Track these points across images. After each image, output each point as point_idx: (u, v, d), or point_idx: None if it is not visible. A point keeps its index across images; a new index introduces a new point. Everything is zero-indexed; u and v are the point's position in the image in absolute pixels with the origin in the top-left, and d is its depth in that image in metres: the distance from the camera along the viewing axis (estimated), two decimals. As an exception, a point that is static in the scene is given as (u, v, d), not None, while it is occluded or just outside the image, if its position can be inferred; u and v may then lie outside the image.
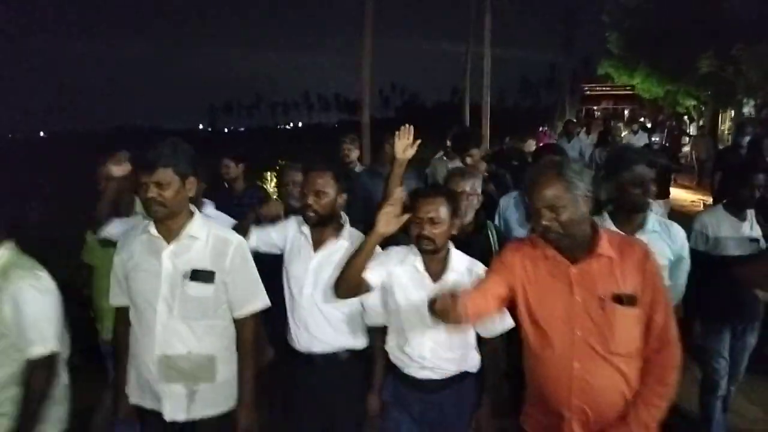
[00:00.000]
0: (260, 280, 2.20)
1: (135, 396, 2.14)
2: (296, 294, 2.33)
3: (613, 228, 2.34)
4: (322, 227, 2.32)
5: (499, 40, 18.87)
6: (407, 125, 2.51)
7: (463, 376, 2.21)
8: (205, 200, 2.99)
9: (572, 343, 1.71)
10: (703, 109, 21.23)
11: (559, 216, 1.67)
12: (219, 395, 2.12)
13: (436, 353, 2.14)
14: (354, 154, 4.54)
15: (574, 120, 5.89)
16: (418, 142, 2.53)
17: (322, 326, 2.30)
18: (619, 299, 1.67)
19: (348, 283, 2.09)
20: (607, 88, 24.75)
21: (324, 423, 2.35)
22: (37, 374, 1.98)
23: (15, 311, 1.94)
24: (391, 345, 2.25)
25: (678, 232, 2.53)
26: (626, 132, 11.54)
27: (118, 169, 2.48)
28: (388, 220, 2.03)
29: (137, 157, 2.18)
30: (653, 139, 11.26)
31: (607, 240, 1.74)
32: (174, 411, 2.06)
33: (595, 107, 23.35)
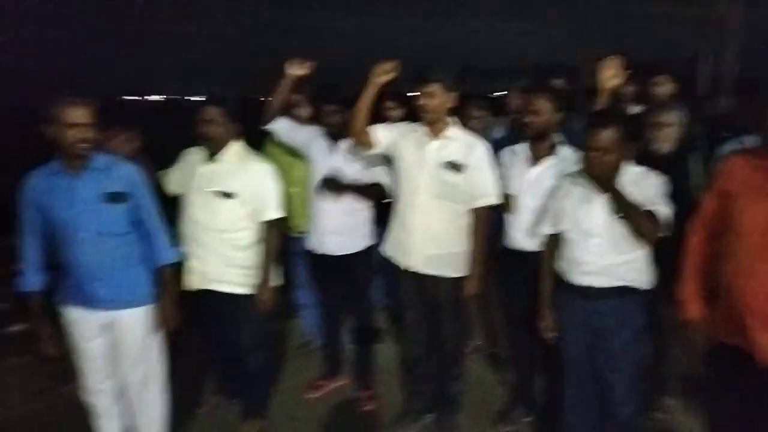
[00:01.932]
0: None
1: None
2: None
3: None
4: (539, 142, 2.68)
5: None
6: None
7: (627, 290, 2.26)
8: None
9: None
10: None
11: None
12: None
13: (599, 257, 2.25)
14: None
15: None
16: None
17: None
18: None
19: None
20: None
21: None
22: (270, 234, 2.65)
23: (254, 187, 2.60)
24: (560, 256, 2.43)
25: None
26: None
27: (299, 68, 2.92)
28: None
29: (413, 72, 2.70)
30: None
31: None
32: None
33: None
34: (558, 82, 3.38)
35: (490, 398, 3.22)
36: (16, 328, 4.03)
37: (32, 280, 2.29)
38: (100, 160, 2.24)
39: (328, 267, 3.13)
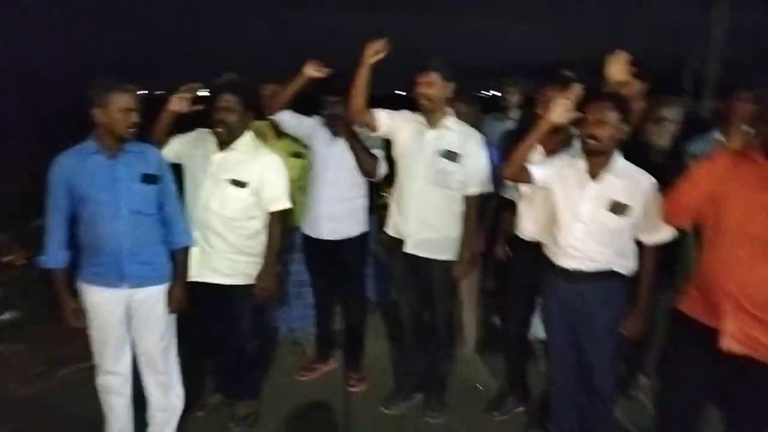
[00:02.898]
0: None
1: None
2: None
3: None
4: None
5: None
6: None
7: (612, 274, 2.34)
8: None
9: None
10: None
11: None
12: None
13: (586, 244, 2.32)
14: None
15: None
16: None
17: None
18: None
19: (514, 164, 2.41)
20: None
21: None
22: (276, 224, 2.71)
23: (265, 177, 2.65)
24: (547, 238, 2.52)
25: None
26: None
27: (315, 71, 2.94)
28: (561, 111, 2.29)
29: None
30: None
31: None
32: None
33: None
34: (570, 75, 3.40)
35: (483, 386, 3.33)
36: (6, 316, 4.05)
37: (58, 256, 2.38)
38: (132, 143, 2.37)
39: (322, 252, 3.20)
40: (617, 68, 2.58)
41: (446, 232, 2.83)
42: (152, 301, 2.46)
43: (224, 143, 2.64)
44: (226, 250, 2.68)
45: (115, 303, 2.41)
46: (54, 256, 2.37)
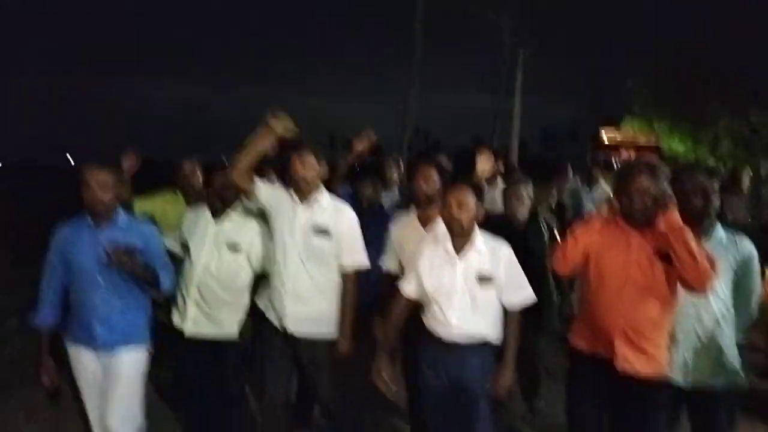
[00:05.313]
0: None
1: None
2: None
3: None
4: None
5: (527, 91, 20.22)
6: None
7: (486, 344, 2.56)
8: None
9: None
10: (722, 167, 22.15)
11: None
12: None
13: (463, 318, 2.52)
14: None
15: (596, 167, 6.07)
16: None
17: None
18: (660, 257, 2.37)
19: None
20: (629, 138, 24.37)
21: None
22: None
23: (256, 241, 2.95)
24: (427, 314, 2.65)
25: (746, 245, 2.54)
26: None
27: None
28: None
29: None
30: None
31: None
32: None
33: (616, 157, 22.80)
34: (443, 159, 3.94)
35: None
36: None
37: (46, 316, 2.58)
38: (123, 218, 2.61)
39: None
40: (485, 162, 3.28)
41: (324, 310, 2.83)
42: (120, 364, 2.57)
43: (219, 211, 2.94)
44: (220, 308, 2.89)
45: (92, 362, 2.57)
46: (43, 315, 2.58)
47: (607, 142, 22.77)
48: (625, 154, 21.60)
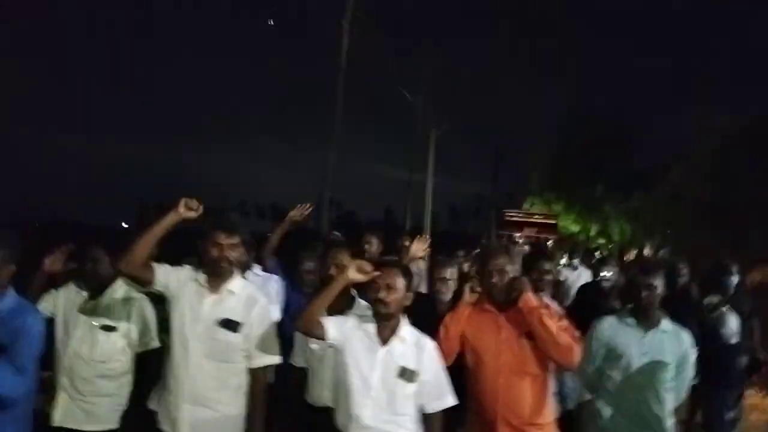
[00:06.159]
0: None
1: None
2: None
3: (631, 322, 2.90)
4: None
5: (438, 168, 21.36)
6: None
7: None
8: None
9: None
10: (611, 247, 24.13)
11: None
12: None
13: (377, 414, 2.30)
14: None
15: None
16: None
17: None
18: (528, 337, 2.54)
19: (309, 318, 2.35)
20: (530, 217, 25.05)
21: None
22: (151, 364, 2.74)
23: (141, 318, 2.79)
24: (337, 410, 2.43)
25: (686, 338, 2.87)
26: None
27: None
28: (359, 270, 2.35)
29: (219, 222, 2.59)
30: (603, 274, 5.60)
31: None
32: None
33: (517, 234, 23.08)
34: (339, 235, 3.94)
35: None
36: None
37: None
38: (7, 304, 2.32)
39: None
40: (418, 248, 3.37)
41: (227, 412, 2.48)
42: None
43: (95, 292, 2.80)
44: (96, 394, 2.70)
45: None
46: None
47: (509, 219, 24.11)
48: (527, 231, 22.92)
